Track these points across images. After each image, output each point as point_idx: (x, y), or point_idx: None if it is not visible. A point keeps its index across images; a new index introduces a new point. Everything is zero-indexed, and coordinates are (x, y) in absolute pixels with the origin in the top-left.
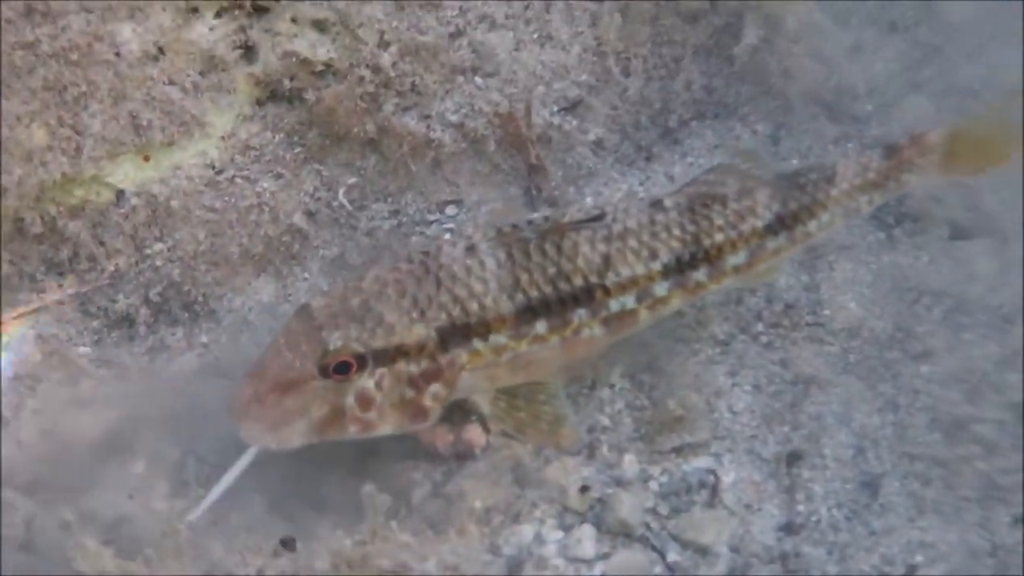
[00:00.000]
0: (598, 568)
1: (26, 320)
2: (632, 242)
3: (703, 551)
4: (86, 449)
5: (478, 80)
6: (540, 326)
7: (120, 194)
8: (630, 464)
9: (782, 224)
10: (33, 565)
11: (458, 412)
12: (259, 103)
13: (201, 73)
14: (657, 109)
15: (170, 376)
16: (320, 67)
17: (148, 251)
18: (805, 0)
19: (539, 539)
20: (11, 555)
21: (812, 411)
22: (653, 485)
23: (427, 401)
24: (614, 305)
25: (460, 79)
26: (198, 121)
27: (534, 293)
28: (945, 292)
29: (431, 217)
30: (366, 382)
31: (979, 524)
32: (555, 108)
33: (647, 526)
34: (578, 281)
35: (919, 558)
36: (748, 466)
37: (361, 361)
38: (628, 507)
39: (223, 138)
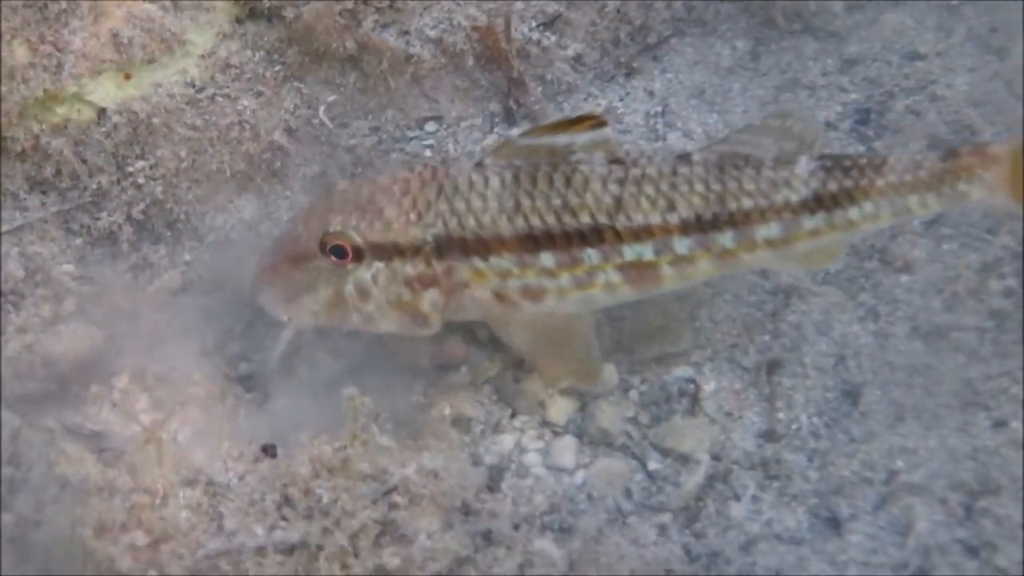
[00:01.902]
0: (579, 476)
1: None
2: (648, 189)
3: (683, 459)
4: (70, 365)
5: None
6: (546, 258)
7: (102, 112)
8: (610, 374)
9: (819, 203)
10: (20, 479)
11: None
12: (239, 21)
13: None
14: (637, 26)
15: (153, 293)
16: None
17: (130, 169)
18: None
19: (520, 448)
20: None
21: (792, 320)
22: (634, 395)
23: (425, 306)
24: (628, 252)
25: None
26: (178, 39)
27: (535, 220)
28: None
29: (411, 134)
30: (363, 273)
31: (959, 429)
32: (534, 23)
33: (628, 435)
34: (584, 218)
35: (899, 463)
36: (729, 375)
37: (357, 251)
38: (608, 416)
39: (203, 56)
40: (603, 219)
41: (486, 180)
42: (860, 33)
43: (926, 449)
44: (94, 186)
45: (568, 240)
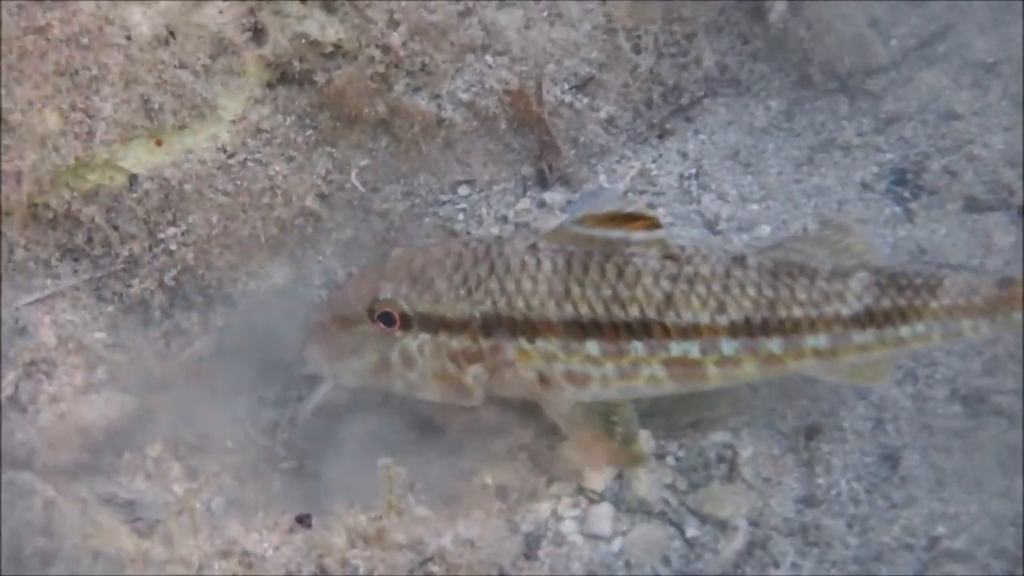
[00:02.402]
0: (616, 543)
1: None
2: (700, 288)
3: (722, 525)
4: (102, 433)
5: (488, 58)
6: (592, 346)
7: (133, 178)
8: (646, 440)
9: (871, 319)
10: (53, 549)
11: None
12: (269, 86)
13: (211, 56)
14: (670, 86)
15: (186, 360)
16: (330, 48)
17: (162, 235)
18: None
19: (556, 516)
20: (32, 538)
21: (830, 384)
22: (670, 460)
23: (468, 380)
24: (675, 349)
25: (470, 57)
26: (209, 104)
27: (584, 308)
28: (962, 265)
29: (444, 198)
30: (409, 342)
31: (1001, 494)
32: (566, 86)
33: (665, 501)
34: (634, 311)
35: (941, 529)
36: (767, 440)
37: (405, 320)
38: (646, 484)
39: (234, 121)
40: (652, 314)
41: (538, 263)
42: (895, 92)
43: (967, 515)
44: (126, 253)
45: (615, 331)
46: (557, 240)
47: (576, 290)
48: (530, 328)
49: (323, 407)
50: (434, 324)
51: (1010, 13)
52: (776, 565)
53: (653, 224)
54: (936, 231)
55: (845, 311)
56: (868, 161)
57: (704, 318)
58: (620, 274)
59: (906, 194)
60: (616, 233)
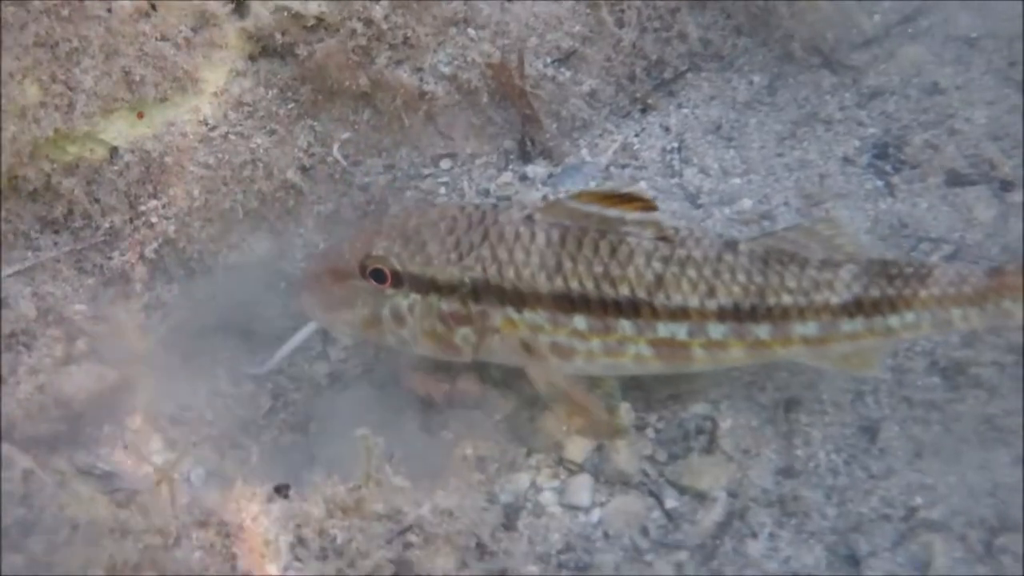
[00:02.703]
0: (595, 514)
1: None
2: (691, 271)
3: (701, 496)
4: (82, 406)
5: (471, 32)
6: (579, 321)
7: (114, 151)
8: (627, 412)
9: (859, 308)
10: (31, 519)
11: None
12: (251, 58)
13: (193, 29)
14: (652, 61)
15: (166, 332)
16: (312, 21)
17: (143, 208)
18: None
19: (535, 487)
20: (11, 509)
21: None
22: (650, 432)
23: (458, 340)
24: (663, 330)
25: (452, 31)
26: (191, 77)
27: (575, 283)
28: (943, 238)
29: (425, 171)
30: (400, 300)
31: (979, 465)
32: (548, 59)
33: (644, 473)
34: (624, 290)
35: (919, 500)
36: (746, 412)
37: (396, 277)
38: (625, 455)
39: (216, 94)
40: (642, 294)
41: (533, 234)
42: (878, 67)
43: (945, 485)
44: (106, 225)
45: (604, 308)
46: (553, 213)
47: (568, 264)
48: (518, 298)
49: (305, 380)
50: (424, 285)
51: None
52: (754, 536)
53: (649, 206)
54: (917, 205)
55: (835, 299)
56: (850, 135)
57: (693, 301)
58: (613, 252)
59: (888, 168)
60: (612, 212)
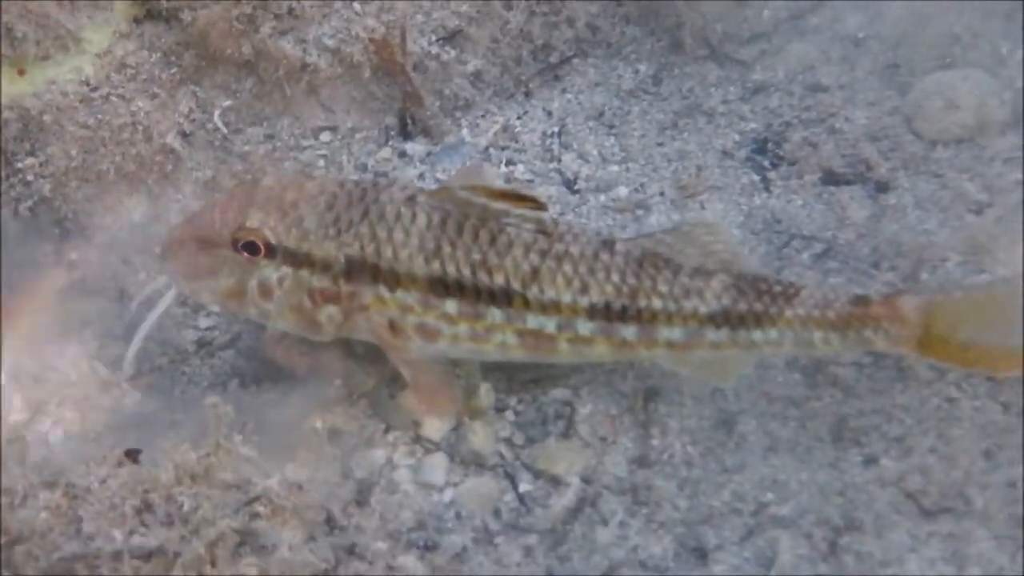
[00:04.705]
0: (448, 494)
1: None
2: (567, 267)
3: (555, 481)
4: None
5: (356, 6)
6: (450, 305)
7: None
8: (487, 393)
9: (726, 319)
10: None
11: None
12: (136, 21)
13: None
14: (539, 45)
15: (36, 291)
16: None
17: (19, 165)
18: None
19: (391, 463)
20: None
21: None
22: (509, 415)
23: (321, 318)
24: (531, 321)
25: (338, 4)
26: (74, 37)
27: (450, 268)
28: (815, 236)
29: (305, 143)
30: (269, 273)
31: (831, 464)
32: (433, 37)
33: (501, 455)
34: (498, 279)
35: (769, 496)
36: (606, 399)
37: (269, 250)
38: (482, 436)
39: (99, 55)
40: (516, 285)
41: (414, 215)
42: (765, 62)
43: (797, 482)
44: None
45: (477, 295)
46: (437, 197)
47: (446, 249)
48: (393, 278)
49: (171, 346)
50: (299, 260)
51: None
52: (604, 523)
53: (539, 206)
54: (792, 201)
55: (703, 308)
56: (731, 129)
57: (566, 297)
58: (492, 241)
59: (765, 163)
60: (499, 205)
